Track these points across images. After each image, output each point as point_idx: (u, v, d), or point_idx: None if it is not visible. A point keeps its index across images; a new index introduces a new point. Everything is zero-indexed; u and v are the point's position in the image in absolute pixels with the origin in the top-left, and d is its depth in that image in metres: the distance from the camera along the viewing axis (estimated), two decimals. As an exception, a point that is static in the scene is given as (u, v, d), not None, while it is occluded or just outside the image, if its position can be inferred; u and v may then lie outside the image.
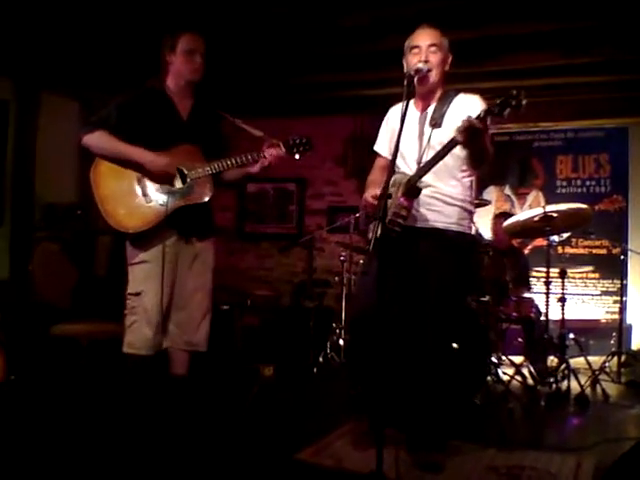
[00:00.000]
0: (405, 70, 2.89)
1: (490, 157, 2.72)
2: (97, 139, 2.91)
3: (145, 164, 2.86)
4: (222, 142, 3.12)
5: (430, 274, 2.80)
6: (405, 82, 2.72)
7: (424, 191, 2.77)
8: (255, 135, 3.10)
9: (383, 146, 3.12)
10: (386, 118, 3.14)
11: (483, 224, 5.03)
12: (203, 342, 3.07)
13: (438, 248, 2.82)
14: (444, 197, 2.86)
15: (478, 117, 2.46)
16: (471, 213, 3.00)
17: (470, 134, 2.47)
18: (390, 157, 3.04)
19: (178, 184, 2.92)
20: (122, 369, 2.98)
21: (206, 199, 2.96)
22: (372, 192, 2.81)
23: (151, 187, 2.92)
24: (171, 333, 3.02)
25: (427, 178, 2.78)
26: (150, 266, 2.90)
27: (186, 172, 2.93)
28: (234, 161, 2.96)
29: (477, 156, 2.70)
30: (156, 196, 2.91)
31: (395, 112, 3.06)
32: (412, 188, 2.71)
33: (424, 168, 2.74)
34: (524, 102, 2.40)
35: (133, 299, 2.93)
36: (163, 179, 2.90)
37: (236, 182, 3.22)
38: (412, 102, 2.95)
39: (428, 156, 2.80)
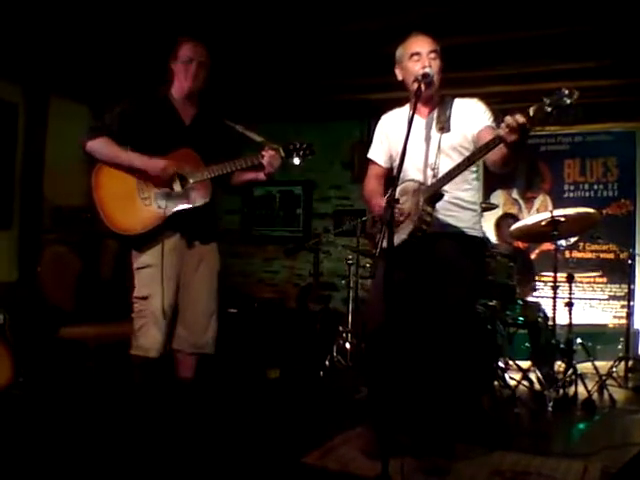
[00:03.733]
0: (400, 78, 2.90)
1: (519, 157, 2.68)
2: (99, 145, 2.95)
3: (147, 168, 2.90)
4: (226, 149, 3.11)
5: (450, 279, 2.79)
6: (413, 87, 2.73)
7: None
8: (256, 140, 3.12)
9: (379, 154, 3.09)
10: (380, 125, 3.10)
11: (488, 228, 5.03)
12: (210, 344, 3.09)
13: (455, 252, 2.81)
14: (459, 201, 2.86)
15: (527, 115, 2.34)
16: (481, 216, 3.00)
17: (522, 133, 2.37)
18: (386, 165, 3.06)
19: (177, 187, 2.95)
20: (130, 371, 2.99)
21: (204, 202, 2.98)
22: (381, 202, 2.80)
23: (150, 191, 2.96)
24: (179, 336, 3.04)
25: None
26: (155, 270, 2.93)
27: (185, 176, 2.95)
28: (233, 165, 2.98)
29: (513, 156, 2.59)
30: (155, 199, 2.94)
31: (390, 119, 3.05)
32: (436, 194, 2.69)
33: (453, 173, 2.68)
34: (575, 102, 2.29)
35: (140, 303, 2.96)
36: (162, 183, 2.93)
37: (243, 186, 3.24)
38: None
39: (440, 161, 2.79)
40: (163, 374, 3.04)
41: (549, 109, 2.31)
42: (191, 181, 2.95)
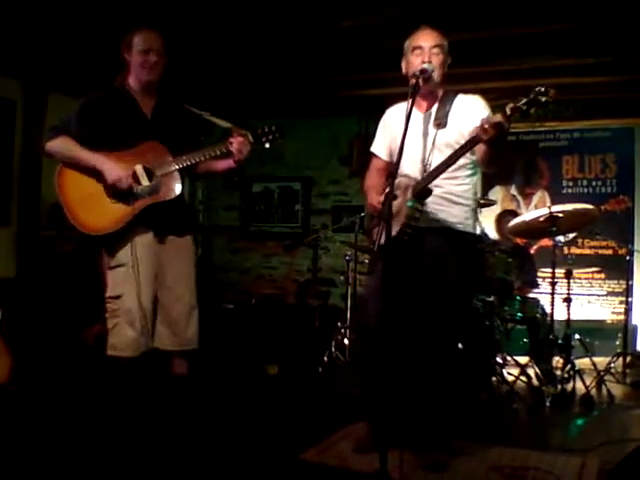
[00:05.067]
0: (404, 71, 2.88)
1: (504, 155, 2.72)
2: (59, 145, 2.88)
3: (103, 172, 2.81)
4: (192, 137, 3.04)
5: (439, 274, 2.79)
6: (411, 82, 2.72)
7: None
8: (223, 126, 3.07)
9: (380, 148, 3.08)
10: (383, 119, 3.09)
11: (487, 224, 5.03)
12: (194, 340, 3.03)
13: (446, 248, 2.81)
14: (450, 196, 2.84)
15: (504, 114, 2.40)
16: (475, 212, 2.99)
17: (498, 132, 2.42)
18: (387, 159, 3.04)
19: (145, 182, 2.87)
20: (106, 372, 2.95)
21: (174, 195, 2.90)
22: (377, 197, 2.80)
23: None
24: (160, 334, 2.97)
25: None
26: (127, 269, 2.85)
27: (152, 169, 2.88)
28: (202, 155, 2.91)
29: (495, 154, 2.66)
30: (122, 196, 2.85)
31: (393, 113, 3.04)
32: (424, 190, 2.69)
33: (438, 170, 2.70)
34: (551, 99, 2.35)
35: (114, 302, 2.89)
36: (118, 192, 2.83)
37: (212, 176, 3.18)
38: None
39: (433, 156, 2.78)
40: (156, 371, 3.02)
41: (525, 107, 2.38)
42: (158, 174, 2.87)
